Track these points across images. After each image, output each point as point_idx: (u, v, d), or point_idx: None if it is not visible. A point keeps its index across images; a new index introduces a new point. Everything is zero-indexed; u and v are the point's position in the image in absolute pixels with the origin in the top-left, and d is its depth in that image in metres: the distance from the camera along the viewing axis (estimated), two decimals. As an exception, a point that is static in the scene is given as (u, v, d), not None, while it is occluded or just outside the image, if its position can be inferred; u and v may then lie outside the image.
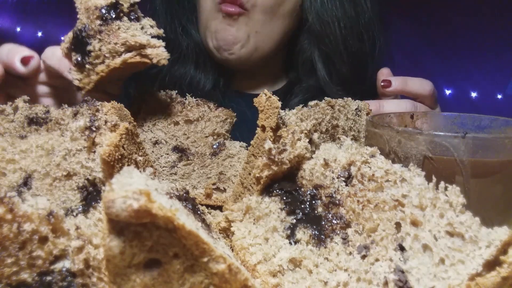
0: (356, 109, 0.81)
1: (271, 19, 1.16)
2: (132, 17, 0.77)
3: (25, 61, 0.79)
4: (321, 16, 1.17)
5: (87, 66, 0.76)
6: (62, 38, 0.80)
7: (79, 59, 0.76)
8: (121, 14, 0.75)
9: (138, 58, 0.75)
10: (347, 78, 1.23)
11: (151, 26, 0.78)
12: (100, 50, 0.74)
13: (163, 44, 0.77)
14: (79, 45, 0.76)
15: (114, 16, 0.74)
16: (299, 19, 1.23)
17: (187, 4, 1.26)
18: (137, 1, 0.78)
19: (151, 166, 0.70)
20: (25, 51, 0.80)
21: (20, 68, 0.79)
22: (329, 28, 1.18)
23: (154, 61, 0.76)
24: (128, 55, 0.75)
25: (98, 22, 0.74)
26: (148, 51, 0.76)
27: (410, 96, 1.02)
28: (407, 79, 1.01)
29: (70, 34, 0.78)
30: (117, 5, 0.75)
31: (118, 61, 0.75)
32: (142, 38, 0.75)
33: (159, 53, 0.76)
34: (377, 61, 1.26)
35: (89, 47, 0.75)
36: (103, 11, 0.74)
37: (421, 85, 1.00)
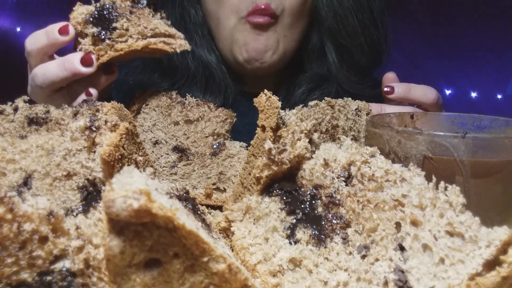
0: (356, 109, 0.81)
1: (297, 21, 1.16)
2: (155, 7, 0.82)
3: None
4: (337, 11, 1.17)
5: (107, 41, 0.78)
6: (74, 9, 0.80)
7: (99, 33, 0.78)
8: (150, 2, 0.80)
9: (161, 45, 0.79)
10: (363, 66, 1.23)
11: (162, 18, 0.82)
12: (127, 30, 0.78)
13: (183, 36, 0.82)
14: (102, 20, 0.78)
15: (145, 2, 0.78)
16: (310, 15, 1.23)
17: (192, 26, 1.23)
18: None
19: (151, 166, 0.70)
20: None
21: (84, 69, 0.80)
22: (346, 22, 1.17)
23: (178, 50, 0.80)
24: (153, 40, 0.79)
25: (129, 3, 0.78)
26: (172, 40, 0.80)
27: (413, 103, 1.02)
28: (411, 87, 0.99)
29: (89, 8, 0.79)
30: None
31: (141, 43, 0.78)
32: (169, 28, 0.80)
33: (182, 43, 0.81)
34: (389, 46, 1.27)
35: (116, 24, 0.77)
36: None
37: (424, 93, 0.99)
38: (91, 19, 0.78)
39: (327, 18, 1.18)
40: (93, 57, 0.79)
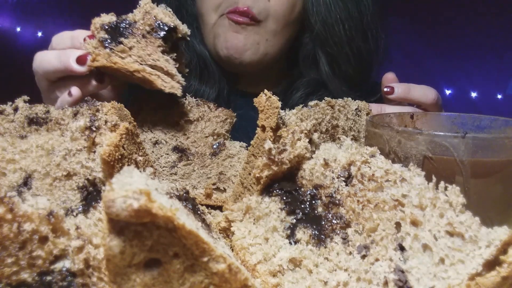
0: (356, 109, 0.81)
1: (282, 28, 1.17)
2: (173, 46, 0.82)
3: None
4: (325, 19, 1.17)
5: (107, 49, 0.78)
6: (101, 15, 0.81)
7: (105, 40, 0.79)
8: (170, 39, 0.81)
9: (153, 78, 0.79)
10: (352, 76, 1.23)
11: (176, 59, 0.82)
12: (130, 48, 0.78)
13: (183, 84, 0.82)
14: (115, 31, 0.79)
15: (163, 35, 0.79)
16: (302, 21, 1.23)
17: (188, 18, 1.25)
18: (187, 39, 0.84)
19: (151, 166, 0.70)
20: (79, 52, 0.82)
21: (78, 68, 0.81)
22: (334, 31, 1.18)
23: (166, 90, 0.80)
24: (148, 69, 0.79)
25: (148, 28, 0.79)
26: (167, 79, 0.80)
27: (413, 103, 1.02)
28: (411, 87, 1.00)
29: (112, 18, 0.80)
30: (174, 30, 0.80)
31: (135, 66, 0.78)
32: (172, 69, 0.80)
33: (175, 86, 0.80)
34: (381, 57, 1.26)
35: (123, 39, 0.78)
36: (160, 25, 0.79)
37: (424, 94, 0.99)
38: (106, 26, 0.79)
39: (316, 25, 1.18)
40: (89, 58, 0.79)
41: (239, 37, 1.14)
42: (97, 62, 0.78)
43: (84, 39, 0.81)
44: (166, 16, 0.80)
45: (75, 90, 0.82)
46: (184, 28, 0.82)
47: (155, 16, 0.79)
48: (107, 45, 0.78)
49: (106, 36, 0.79)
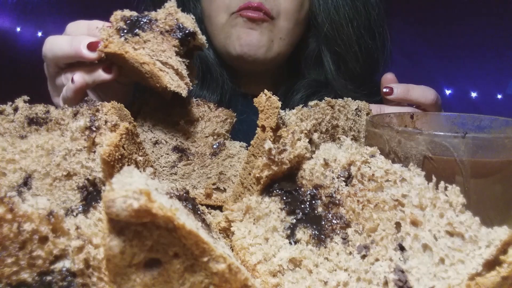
0: (356, 109, 0.81)
1: (293, 26, 1.17)
2: (187, 54, 0.83)
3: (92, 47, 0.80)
4: (333, 18, 1.17)
5: (122, 38, 0.79)
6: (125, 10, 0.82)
7: (122, 30, 0.79)
8: (186, 44, 0.81)
9: (161, 73, 0.79)
10: (358, 74, 1.23)
11: (189, 65, 0.83)
12: (145, 42, 0.79)
13: (191, 87, 0.82)
14: (134, 24, 0.80)
15: (181, 37, 0.79)
16: (308, 20, 1.23)
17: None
18: (202, 49, 0.86)
19: (151, 166, 0.70)
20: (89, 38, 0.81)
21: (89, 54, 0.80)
22: (342, 30, 1.17)
23: (172, 88, 0.79)
24: (159, 64, 0.79)
25: (167, 28, 0.79)
26: (175, 77, 0.80)
27: (412, 104, 1.02)
28: (410, 87, 0.99)
29: (134, 13, 0.81)
30: (192, 35, 0.81)
31: (145, 58, 0.78)
32: (183, 70, 0.80)
33: (181, 86, 0.80)
34: (387, 55, 1.26)
35: (140, 32, 0.79)
36: (180, 27, 0.79)
37: (423, 94, 0.99)
38: (126, 19, 0.80)
39: (324, 25, 1.18)
40: (100, 45, 0.79)
41: (254, 34, 1.12)
42: (109, 49, 0.78)
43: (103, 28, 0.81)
44: (188, 21, 0.80)
45: (78, 76, 0.81)
46: (202, 38, 0.82)
47: (177, 18, 0.80)
48: (123, 34, 0.79)
49: (124, 26, 0.79)
